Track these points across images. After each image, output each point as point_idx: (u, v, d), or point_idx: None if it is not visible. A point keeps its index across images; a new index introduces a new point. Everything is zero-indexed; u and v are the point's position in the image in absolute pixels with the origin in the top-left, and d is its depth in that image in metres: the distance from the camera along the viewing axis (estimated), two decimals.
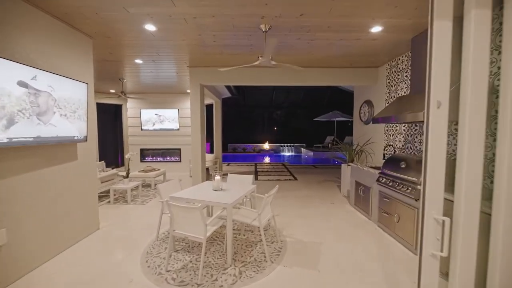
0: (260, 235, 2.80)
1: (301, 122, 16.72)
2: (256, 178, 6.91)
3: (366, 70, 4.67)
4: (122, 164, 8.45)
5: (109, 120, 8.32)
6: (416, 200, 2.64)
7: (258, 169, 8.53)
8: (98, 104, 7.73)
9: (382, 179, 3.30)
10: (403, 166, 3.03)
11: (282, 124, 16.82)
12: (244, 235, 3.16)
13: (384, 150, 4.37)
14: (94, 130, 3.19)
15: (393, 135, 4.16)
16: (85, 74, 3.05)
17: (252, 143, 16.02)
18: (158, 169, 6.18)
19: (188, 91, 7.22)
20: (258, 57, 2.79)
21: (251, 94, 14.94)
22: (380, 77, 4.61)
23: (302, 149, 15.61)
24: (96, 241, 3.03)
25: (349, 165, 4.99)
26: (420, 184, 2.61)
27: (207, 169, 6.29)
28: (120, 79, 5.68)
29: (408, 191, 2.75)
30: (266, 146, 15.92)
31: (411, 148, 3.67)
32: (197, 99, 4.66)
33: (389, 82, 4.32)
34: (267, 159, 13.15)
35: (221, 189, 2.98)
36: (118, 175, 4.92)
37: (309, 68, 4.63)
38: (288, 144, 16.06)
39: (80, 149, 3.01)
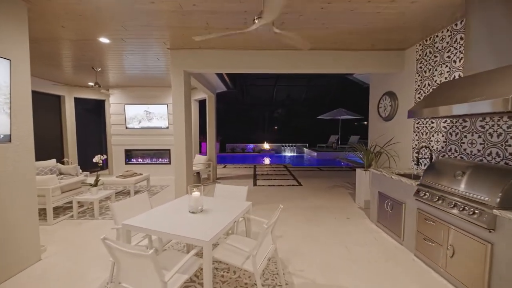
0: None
1: (303, 120, 15.84)
2: (254, 183, 6.04)
3: (391, 54, 3.78)
4: (107, 167, 7.59)
5: (90, 118, 7.46)
6: (490, 231, 1.76)
7: (257, 172, 7.65)
8: (77, 100, 6.88)
9: (424, 194, 2.41)
10: (459, 177, 2.15)
11: (283, 123, 15.95)
12: (234, 273, 2.29)
13: (416, 153, 3.48)
14: (29, 127, 2.32)
15: (427, 133, 3.27)
16: (11, 49, 2.17)
17: (252, 143, 15.15)
18: (140, 174, 5.31)
19: None
20: (254, 20, 1.91)
21: (250, 91, 14.07)
22: (408, 62, 3.72)
23: (305, 149, 14.73)
24: (26, 284, 2.16)
25: (367, 170, 4.11)
26: (497, 207, 1.73)
27: (198, 173, 5.44)
28: (94, 68, 4.81)
29: (473, 215, 1.87)
30: (267, 146, 15.05)
31: (456, 150, 2.78)
32: (181, 91, 3.78)
33: (420, 67, 3.43)
34: (267, 160, 12.28)
35: (201, 210, 2.11)
36: (84, 183, 4.05)
37: (320, 51, 3.75)
38: (290, 144, 15.18)
39: (2, 153, 2.13)
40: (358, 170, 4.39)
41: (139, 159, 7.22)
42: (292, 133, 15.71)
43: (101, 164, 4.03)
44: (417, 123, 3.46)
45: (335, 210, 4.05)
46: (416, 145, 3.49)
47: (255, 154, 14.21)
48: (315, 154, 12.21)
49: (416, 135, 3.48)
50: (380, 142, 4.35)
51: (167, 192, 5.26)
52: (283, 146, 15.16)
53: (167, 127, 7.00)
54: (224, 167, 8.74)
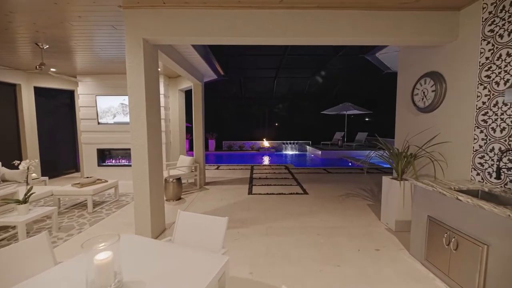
0: None
1: (306, 116, 14.70)
2: (250, 191, 4.95)
3: (438, 16, 2.65)
4: (79, 170, 6.52)
5: (58, 112, 6.36)
6: None
7: (254, 174, 6.57)
8: (39, 90, 5.77)
9: None
10: None
11: (284, 119, 14.81)
12: None
13: (499, 159, 2.38)
14: None
15: (505, 129, 2.17)
16: None
17: (250, 141, 14.04)
18: (105, 181, 4.23)
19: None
20: None
21: (248, 84, 12.91)
22: (466, 26, 2.60)
23: (308, 147, 13.63)
24: None
25: (401, 180, 3.02)
26: None
27: (178, 179, 4.35)
28: (39, 44, 3.69)
29: None
30: (266, 143, 13.95)
31: None
32: (139, 69, 2.66)
33: (492, 31, 2.30)
34: (266, 160, 11.19)
35: None
36: (7, 199, 2.94)
37: (339, 11, 2.62)
38: (292, 142, 14.07)
39: None
40: (385, 179, 3.30)
41: (115, 160, 6.14)
42: (294, 129, 14.58)
43: (30, 172, 2.92)
44: (486, 114, 2.34)
45: (357, 234, 2.97)
46: (481, 146, 2.38)
47: (254, 152, 13.11)
48: (320, 152, 11.11)
49: (482, 131, 2.37)
50: (415, 141, 3.25)
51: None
52: (284, 143, 14.05)
53: None
54: (217, 168, 7.66)
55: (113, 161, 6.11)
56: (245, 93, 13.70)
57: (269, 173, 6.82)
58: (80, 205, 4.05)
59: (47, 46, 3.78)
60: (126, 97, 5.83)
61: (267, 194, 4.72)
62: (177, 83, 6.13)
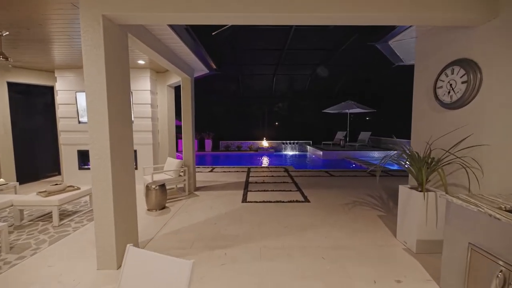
0: None
1: (306, 115, 14.16)
2: (244, 198, 4.42)
3: None
4: (60, 173, 5.99)
5: (37, 110, 5.83)
6: None
7: (250, 178, 6.04)
8: (13, 85, 5.24)
9: None
10: None
11: (283, 118, 14.26)
12: None
13: None
14: None
15: None
16: None
17: (249, 140, 13.51)
18: (77, 188, 3.70)
19: (141, 61, 4.70)
20: None
21: (246, 81, 12.37)
22: (507, 3, 2.06)
23: (308, 147, 13.09)
24: None
25: (424, 191, 2.49)
26: None
27: (162, 185, 3.82)
28: None
29: None
30: (265, 143, 13.42)
31: None
32: (98, 53, 2.12)
33: None
34: (265, 161, 10.67)
35: None
36: None
37: None
38: (291, 141, 13.53)
39: None
40: (403, 189, 2.77)
41: None
42: (294, 129, 14.04)
43: None
44: None
45: (370, 257, 2.44)
46: None
47: (252, 153, 12.59)
48: (321, 153, 10.57)
49: None
50: (439, 144, 2.71)
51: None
52: (283, 143, 13.52)
53: (132, 122, 5.34)
54: (211, 170, 7.13)
55: None
56: (243, 91, 13.16)
57: (266, 176, 6.29)
58: (48, 216, 3.53)
59: (7, 32, 3.24)
60: None
61: (263, 202, 4.19)
62: (166, 78, 5.60)
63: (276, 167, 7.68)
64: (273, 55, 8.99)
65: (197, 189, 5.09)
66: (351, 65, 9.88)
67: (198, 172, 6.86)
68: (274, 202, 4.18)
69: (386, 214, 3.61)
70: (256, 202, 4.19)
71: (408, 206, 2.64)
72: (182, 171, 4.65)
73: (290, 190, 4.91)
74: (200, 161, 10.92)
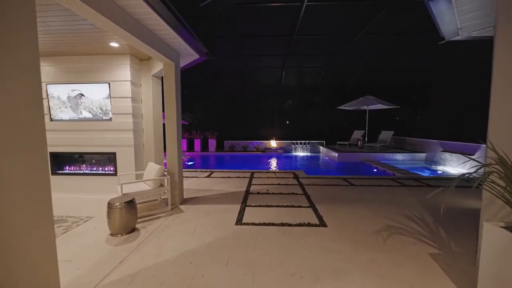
0: None
1: (319, 112, 12.93)
2: (239, 217, 3.41)
3: None
4: None
5: None
6: None
7: (252, 186, 5.02)
8: None
9: None
10: None
11: (294, 115, 13.10)
12: None
13: None
14: None
15: None
16: None
17: (256, 140, 12.50)
18: None
19: (113, 43, 3.79)
20: None
21: (252, 75, 11.33)
22: None
23: (321, 147, 11.89)
24: None
25: None
26: None
27: (129, 202, 2.89)
28: None
29: None
30: (273, 143, 12.35)
31: None
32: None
33: None
34: (272, 163, 9.61)
35: None
36: None
37: None
38: (302, 142, 12.38)
39: None
40: (495, 230, 1.64)
41: (75, 168, 4.80)
42: (305, 127, 12.86)
43: None
44: None
45: None
46: None
47: (259, 154, 11.57)
48: (336, 155, 9.36)
49: None
50: None
51: (72, 238, 2.76)
52: (293, 144, 12.39)
53: (110, 119, 4.49)
54: (209, 175, 6.18)
55: (73, 168, 4.78)
56: (249, 87, 12.14)
57: (272, 184, 5.25)
58: None
59: None
60: (82, 85, 4.45)
61: (264, 224, 3.16)
62: (151, 66, 4.68)
63: (284, 172, 6.61)
64: (281, 44, 7.90)
65: (185, 201, 4.14)
66: (373, 51, 8.58)
67: (194, 177, 5.94)
68: (278, 225, 3.14)
69: (441, 252, 2.48)
70: (254, 224, 3.17)
71: (508, 258, 1.52)
72: (161, 182, 3.71)
73: (300, 206, 3.84)
74: (203, 162, 10.05)
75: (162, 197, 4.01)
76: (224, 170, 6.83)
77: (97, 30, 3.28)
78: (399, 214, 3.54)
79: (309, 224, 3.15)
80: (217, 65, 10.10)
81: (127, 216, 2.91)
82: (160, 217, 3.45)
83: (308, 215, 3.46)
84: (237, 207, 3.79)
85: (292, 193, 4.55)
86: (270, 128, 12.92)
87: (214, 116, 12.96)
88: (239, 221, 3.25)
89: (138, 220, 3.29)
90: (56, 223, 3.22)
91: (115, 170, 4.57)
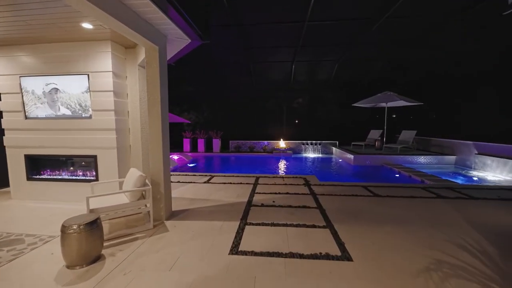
0: None
1: (331, 109, 11.97)
2: (237, 241, 2.66)
3: None
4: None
5: None
6: None
7: (255, 195, 4.27)
8: None
9: None
10: None
11: (304, 113, 12.20)
12: None
13: None
14: None
15: None
16: None
17: (263, 140, 11.72)
18: None
19: (86, 24, 3.13)
20: None
21: (259, 71, 10.54)
22: None
23: (334, 148, 10.97)
24: None
25: None
26: None
27: (90, 224, 2.22)
28: None
29: None
30: (282, 144, 11.53)
31: None
32: None
33: None
34: (280, 166, 8.80)
35: None
36: None
37: None
38: (313, 142, 11.48)
39: None
40: None
41: (53, 172, 4.21)
42: (316, 126, 11.94)
43: None
44: None
45: None
46: None
47: (266, 155, 10.79)
48: (351, 157, 8.43)
49: None
50: None
51: (16, 270, 2.11)
52: (303, 144, 11.52)
53: (90, 116, 3.85)
54: (208, 180, 5.47)
55: (50, 173, 4.19)
56: (256, 83, 11.36)
57: (279, 193, 4.46)
58: None
59: None
60: (58, 77, 3.84)
61: (267, 254, 2.39)
62: (138, 55, 4.01)
63: (293, 177, 5.80)
64: (291, 34, 7.07)
65: (174, 215, 3.44)
66: (396, 40, 7.57)
67: (191, 183, 5.26)
68: (285, 256, 2.36)
69: None
70: (254, 253, 2.40)
71: None
72: (141, 194, 3.02)
73: (314, 226, 3.04)
74: (206, 164, 9.38)
75: (145, 211, 3.31)
76: (226, 175, 6.10)
77: (66, 8, 2.63)
78: (447, 241, 2.67)
79: (327, 256, 2.35)
80: (222, 59, 9.39)
81: (89, 242, 2.23)
82: (137, 238, 2.76)
83: (325, 241, 2.66)
84: (235, 226, 3.04)
85: (304, 206, 3.75)
86: (278, 127, 12.09)
87: (219, 114, 12.28)
88: (235, 248, 2.50)
89: (109, 242, 2.62)
90: (8, 245, 2.59)
91: (96, 176, 3.93)
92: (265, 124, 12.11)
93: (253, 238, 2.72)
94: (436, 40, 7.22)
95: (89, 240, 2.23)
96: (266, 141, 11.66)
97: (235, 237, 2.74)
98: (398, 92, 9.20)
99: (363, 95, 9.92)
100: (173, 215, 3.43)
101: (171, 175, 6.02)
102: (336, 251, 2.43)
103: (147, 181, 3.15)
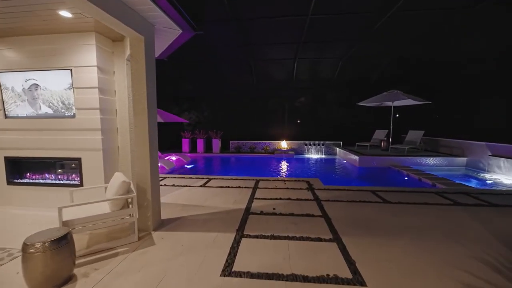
0: None
1: (335, 109, 11.58)
2: (229, 261, 2.31)
3: None
4: None
5: None
6: None
7: (254, 201, 3.93)
8: None
9: None
10: None
11: (307, 113, 11.82)
12: None
13: None
14: None
15: None
16: None
17: (264, 140, 11.38)
18: None
19: (64, 13, 2.81)
20: None
21: (260, 69, 10.18)
22: None
23: (338, 149, 10.61)
24: None
25: None
26: None
27: (55, 242, 1.90)
28: None
29: None
30: (284, 144, 11.17)
31: None
32: None
33: None
34: (282, 167, 8.45)
35: None
36: None
37: None
38: (316, 142, 11.11)
39: None
40: None
41: (36, 176, 3.90)
42: (319, 126, 11.56)
43: None
44: None
45: None
46: None
47: (267, 156, 10.44)
48: (356, 158, 8.05)
49: None
50: None
51: None
52: (306, 144, 11.15)
53: (73, 115, 3.53)
54: (205, 184, 5.14)
55: (33, 177, 3.88)
56: (257, 81, 11.01)
57: (280, 199, 4.11)
58: None
59: None
60: (38, 73, 3.52)
61: (266, 276, 2.04)
62: (127, 49, 3.67)
63: (295, 181, 5.45)
64: (293, 29, 6.71)
65: (163, 224, 3.10)
66: (404, 35, 7.17)
67: (186, 186, 4.93)
68: (286, 279, 2.01)
69: None
70: (250, 275, 2.06)
71: None
72: (129, 200, 2.69)
73: (320, 239, 2.68)
74: (205, 165, 9.06)
75: (131, 221, 2.98)
76: (224, 177, 5.76)
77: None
78: (473, 258, 2.31)
79: (335, 279, 1.99)
80: (222, 57, 9.06)
81: (56, 262, 1.90)
82: (118, 253, 2.42)
83: (332, 258, 2.31)
84: (229, 238, 2.70)
85: (307, 215, 3.40)
86: (280, 127, 11.74)
87: (219, 114, 11.95)
88: (228, 268, 2.15)
89: (85, 259, 2.29)
90: None
91: (81, 181, 3.61)
92: (266, 124, 11.76)
93: (250, 255, 2.38)
94: (448, 36, 6.82)
95: (56, 260, 1.90)
96: (267, 142, 11.30)
97: (229, 253, 2.40)
98: (404, 90, 8.80)
99: (368, 93, 9.54)
100: (162, 224, 3.10)
101: (166, 177, 5.70)
102: (346, 273, 2.08)
103: (132, 187, 2.82)
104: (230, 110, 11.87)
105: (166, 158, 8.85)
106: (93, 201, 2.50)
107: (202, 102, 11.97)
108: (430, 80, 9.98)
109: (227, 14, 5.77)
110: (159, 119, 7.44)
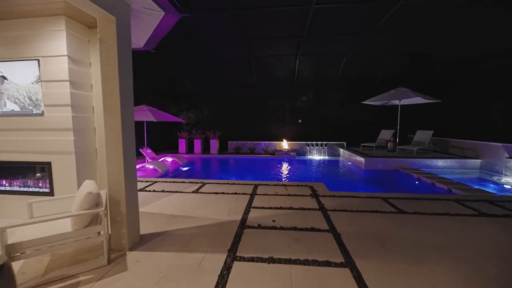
0: None
1: (338, 108, 11.09)
2: None
3: None
4: None
5: None
6: None
7: (251, 210, 3.45)
8: None
9: None
10: None
11: (308, 112, 11.33)
12: None
13: None
14: None
15: None
16: None
17: (264, 141, 10.90)
18: None
19: None
20: None
21: (261, 66, 9.69)
22: None
23: (341, 150, 10.12)
24: None
25: None
26: None
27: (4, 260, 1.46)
28: None
29: None
30: (285, 145, 10.69)
31: None
32: None
33: None
34: (282, 170, 7.97)
35: None
36: None
37: None
38: (319, 143, 10.62)
39: None
40: None
41: (0, 182, 3.43)
42: (322, 126, 11.07)
43: None
44: None
45: None
46: None
47: (267, 157, 9.96)
48: (362, 160, 7.56)
49: None
50: None
51: None
52: (308, 145, 10.67)
53: (42, 113, 3.06)
54: (198, 189, 4.66)
55: (3, 183, 3.41)
56: (257, 80, 10.53)
57: (281, 208, 3.63)
58: None
59: None
60: (3, 64, 3.05)
61: None
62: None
63: (298, 185, 4.97)
64: (294, 24, 6.23)
65: (142, 241, 2.63)
66: (412, 30, 6.67)
67: (176, 192, 4.46)
68: None
69: None
70: None
71: None
72: (92, 217, 2.21)
73: (329, 263, 2.20)
74: (202, 167, 8.59)
75: (100, 240, 2.51)
76: (220, 181, 5.29)
77: None
78: None
79: None
80: (218, 52, 8.58)
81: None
82: (79, 283, 1.95)
83: None
84: (219, 261, 2.22)
85: (312, 229, 2.92)
86: (281, 127, 11.25)
87: (218, 113, 11.48)
88: None
89: None
90: None
91: (51, 189, 3.14)
92: (266, 123, 11.28)
93: (243, 286, 1.90)
94: (461, 30, 6.32)
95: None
96: (267, 142, 10.82)
97: (217, 283, 1.92)
98: (412, 88, 8.30)
99: (373, 92, 9.04)
100: (141, 242, 2.63)
101: (156, 182, 5.23)
102: None
103: (103, 199, 2.34)
104: (229, 109, 11.40)
105: (160, 160, 8.38)
106: (46, 218, 2.02)
107: (201, 101, 11.51)
108: (439, 77, 9.47)
109: (222, 3, 5.29)
110: (151, 118, 6.97)
